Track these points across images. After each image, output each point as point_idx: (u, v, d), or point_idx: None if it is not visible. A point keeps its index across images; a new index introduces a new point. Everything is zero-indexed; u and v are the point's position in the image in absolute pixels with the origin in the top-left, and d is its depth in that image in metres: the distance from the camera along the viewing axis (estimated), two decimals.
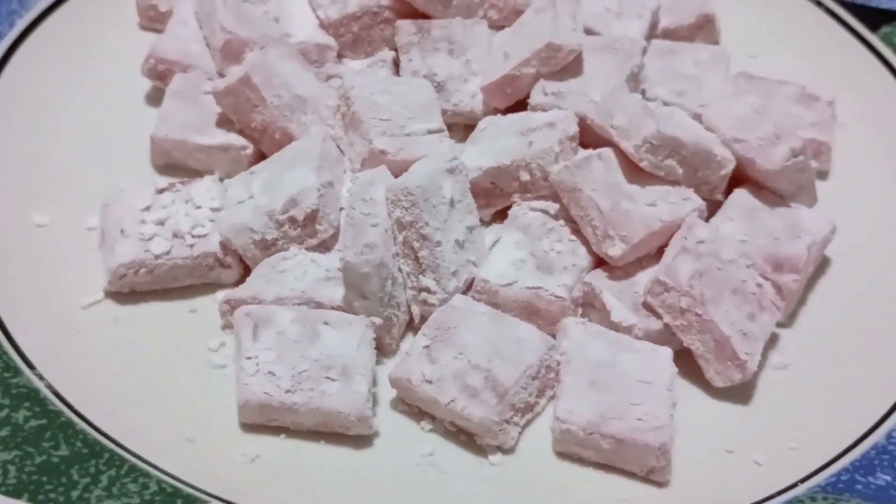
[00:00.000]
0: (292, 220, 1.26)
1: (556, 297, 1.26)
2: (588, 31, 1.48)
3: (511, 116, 1.40)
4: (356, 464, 1.17)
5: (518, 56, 1.41)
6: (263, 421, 1.18)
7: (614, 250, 1.27)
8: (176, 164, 1.39)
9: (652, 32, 1.55)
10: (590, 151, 1.33)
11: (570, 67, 1.41)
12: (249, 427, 1.18)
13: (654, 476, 1.18)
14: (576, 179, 1.29)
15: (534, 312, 1.27)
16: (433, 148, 1.33)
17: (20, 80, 1.47)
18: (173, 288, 1.28)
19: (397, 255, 1.24)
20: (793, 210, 1.35)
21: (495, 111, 1.44)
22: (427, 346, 1.20)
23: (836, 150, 1.49)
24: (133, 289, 1.27)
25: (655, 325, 1.25)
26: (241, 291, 1.24)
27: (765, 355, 1.27)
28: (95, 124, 1.44)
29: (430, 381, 1.18)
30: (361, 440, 1.18)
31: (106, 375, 1.22)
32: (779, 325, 1.30)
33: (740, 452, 1.20)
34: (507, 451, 1.19)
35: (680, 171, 1.31)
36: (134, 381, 1.22)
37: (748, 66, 1.53)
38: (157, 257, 1.25)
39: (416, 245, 1.23)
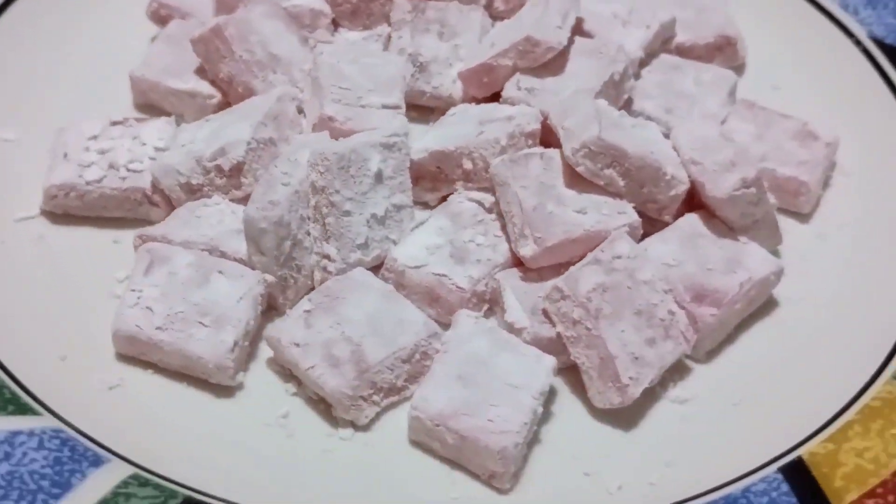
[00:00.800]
0: (218, 169, 1.28)
1: (458, 287, 1.23)
2: (586, 34, 1.44)
3: (482, 106, 1.37)
4: (210, 412, 1.18)
5: (498, 46, 1.39)
6: (134, 353, 1.20)
7: (526, 250, 1.23)
8: (153, 105, 1.44)
9: (664, 47, 1.49)
10: (534, 149, 1.30)
11: (550, 65, 1.37)
12: (123, 357, 1.21)
13: (494, 481, 1.13)
14: (508, 174, 1.26)
15: (434, 299, 1.24)
16: (383, 122, 1.32)
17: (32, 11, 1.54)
18: (104, 217, 1.32)
19: (307, 218, 1.24)
20: (740, 245, 1.28)
21: (474, 99, 1.41)
22: (308, 311, 1.19)
23: (833, 196, 1.40)
24: (66, 211, 1.32)
25: (548, 332, 1.20)
26: (154, 229, 1.27)
27: (664, 385, 1.21)
28: (94, 59, 1.50)
29: (297, 345, 1.17)
30: (223, 390, 1.19)
31: (10, 283, 1.27)
32: (692, 358, 1.23)
33: (597, 477, 1.15)
34: (361, 428, 1.17)
35: (622, 183, 1.26)
36: (33, 294, 1.26)
37: (768, 97, 1.46)
38: (87, 183, 1.29)
39: (325, 211, 1.23)
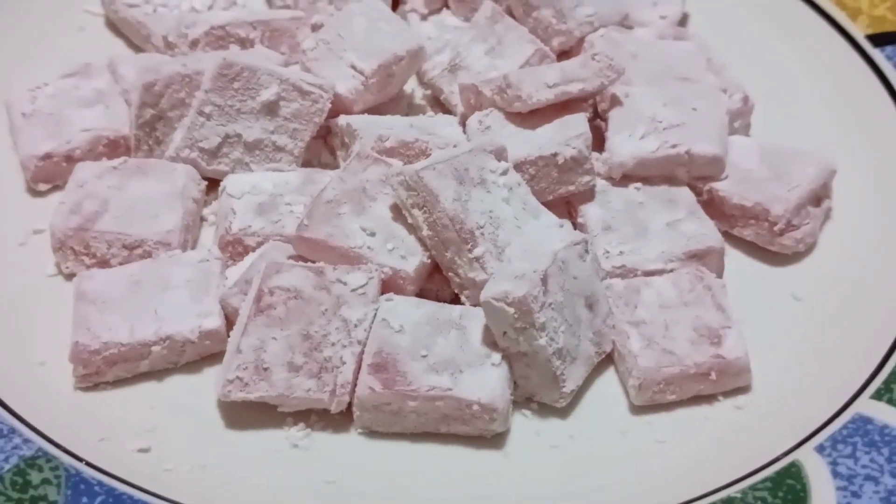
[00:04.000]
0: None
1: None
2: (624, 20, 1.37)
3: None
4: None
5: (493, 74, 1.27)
6: None
7: None
8: None
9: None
10: None
11: (525, 117, 1.23)
12: None
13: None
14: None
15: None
16: (337, 78, 1.27)
17: None
18: None
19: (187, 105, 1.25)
20: None
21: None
22: None
23: None
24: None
25: None
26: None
27: None
28: None
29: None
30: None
31: None
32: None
33: None
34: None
35: (425, 231, 1.14)
36: None
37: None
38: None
39: (192, 104, 1.23)
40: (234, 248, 1.17)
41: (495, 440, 1.08)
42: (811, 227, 1.24)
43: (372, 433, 1.08)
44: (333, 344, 1.07)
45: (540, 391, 1.10)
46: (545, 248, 1.09)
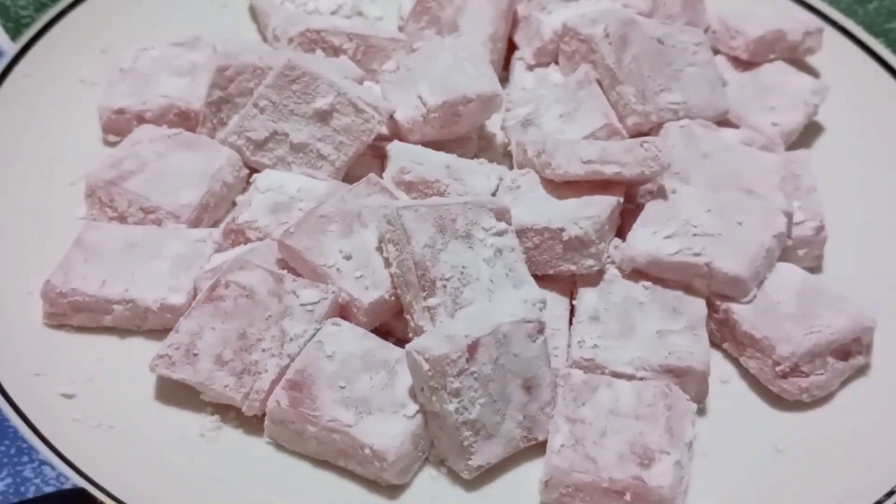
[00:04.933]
0: None
1: None
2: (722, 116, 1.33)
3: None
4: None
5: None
6: None
7: None
8: None
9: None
10: None
11: (560, 188, 1.20)
12: None
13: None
14: None
15: None
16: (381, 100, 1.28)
17: None
18: None
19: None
20: None
21: None
22: None
23: None
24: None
25: None
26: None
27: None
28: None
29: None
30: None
31: None
32: None
33: None
34: None
35: None
36: None
37: None
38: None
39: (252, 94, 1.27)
40: (236, 238, 1.21)
41: (391, 490, 1.07)
42: (825, 379, 1.14)
43: (279, 446, 1.09)
44: (264, 350, 1.09)
45: (449, 456, 1.07)
46: (493, 316, 1.06)
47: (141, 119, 1.32)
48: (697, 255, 1.15)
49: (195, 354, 1.08)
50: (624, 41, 1.28)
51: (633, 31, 1.28)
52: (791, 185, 1.27)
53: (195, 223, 1.22)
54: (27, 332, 1.15)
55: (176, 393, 1.11)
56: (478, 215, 1.12)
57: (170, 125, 1.31)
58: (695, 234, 1.17)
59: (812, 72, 1.47)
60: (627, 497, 1.03)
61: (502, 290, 1.11)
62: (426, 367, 1.02)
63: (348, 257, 1.13)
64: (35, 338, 1.15)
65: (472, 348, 1.04)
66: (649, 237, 1.17)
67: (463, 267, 1.10)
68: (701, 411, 1.14)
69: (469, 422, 1.04)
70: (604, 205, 1.17)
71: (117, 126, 1.33)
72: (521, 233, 1.15)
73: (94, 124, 1.35)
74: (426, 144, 1.28)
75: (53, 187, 1.29)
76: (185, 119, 1.33)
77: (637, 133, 1.30)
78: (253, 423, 1.10)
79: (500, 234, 1.13)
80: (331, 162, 1.26)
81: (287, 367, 1.08)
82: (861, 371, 1.18)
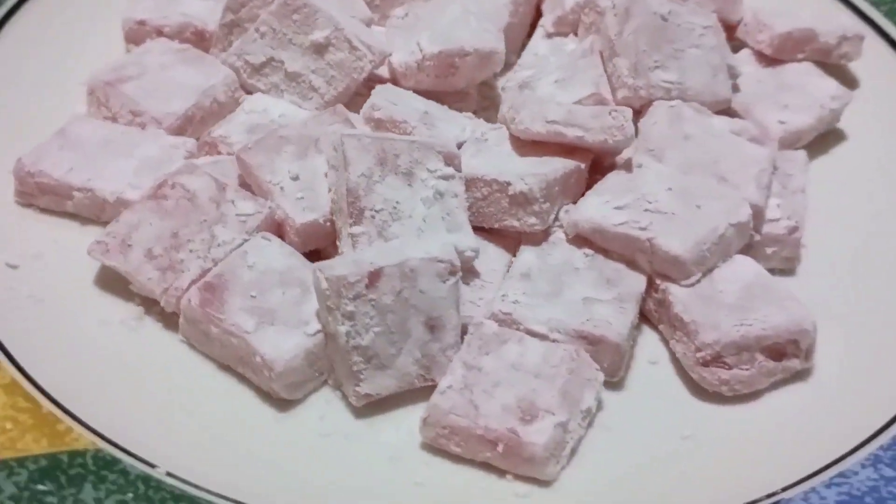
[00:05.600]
0: None
1: None
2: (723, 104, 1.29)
3: None
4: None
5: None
6: None
7: None
8: None
9: None
10: None
11: (528, 146, 1.19)
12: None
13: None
14: None
15: None
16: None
17: None
18: None
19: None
20: None
21: None
22: None
23: None
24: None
25: None
26: None
27: None
28: None
29: None
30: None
31: None
32: None
33: None
34: None
35: None
36: None
37: None
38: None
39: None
40: (210, 150, 1.25)
41: (282, 404, 1.08)
42: (749, 375, 1.10)
43: (191, 346, 1.12)
44: (191, 251, 1.12)
45: (342, 380, 1.08)
46: (405, 251, 1.07)
47: (159, 33, 1.37)
48: (642, 229, 1.13)
49: (129, 245, 1.13)
50: (627, 14, 1.26)
51: (638, 5, 1.26)
52: (779, 182, 1.23)
53: (177, 132, 1.27)
54: None
55: (112, 282, 1.16)
56: (424, 156, 1.13)
57: (185, 42, 1.36)
58: (646, 210, 1.14)
59: (850, 79, 1.41)
60: (499, 448, 1.02)
61: (434, 232, 1.11)
62: (324, 285, 1.04)
63: (295, 178, 1.15)
64: (1, 211, 1.22)
65: (374, 276, 1.04)
66: (599, 205, 1.15)
67: (397, 202, 1.11)
68: (617, 385, 1.12)
69: (360, 347, 1.05)
70: (557, 166, 1.16)
71: (138, 36, 1.38)
72: (471, 182, 1.15)
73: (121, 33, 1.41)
74: (423, 94, 1.29)
75: (69, 85, 1.36)
76: (200, 39, 1.37)
77: (634, 110, 1.27)
78: (174, 321, 1.13)
79: (445, 178, 1.13)
80: (321, 95, 1.28)
81: (209, 270, 1.11)
82: (800, 376, 1.13)
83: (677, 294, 1.13)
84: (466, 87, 1.33)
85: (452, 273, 1.07)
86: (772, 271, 1.19)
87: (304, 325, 1.08)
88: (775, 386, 1.13)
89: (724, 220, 1.14)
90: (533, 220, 1.15)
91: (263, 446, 1.06)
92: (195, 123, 1.29)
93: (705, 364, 1.09)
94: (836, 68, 1.40)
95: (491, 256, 1.17)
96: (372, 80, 1.30)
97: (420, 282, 1.06)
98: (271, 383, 1.07)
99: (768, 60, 1.37)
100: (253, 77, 1.31)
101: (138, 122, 1.27)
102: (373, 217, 1.10)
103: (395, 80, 1.30)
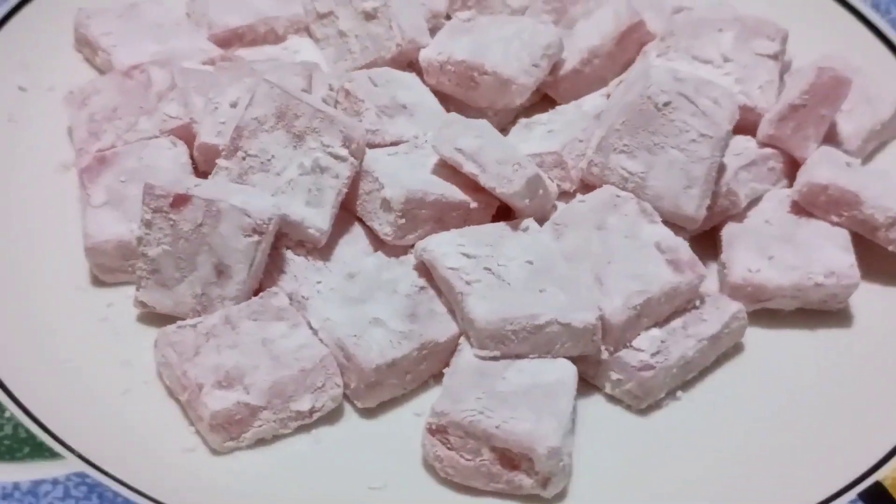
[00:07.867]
0: None
1: None
2: None
3: None
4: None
5: None
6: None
7: None
8: None
9: None
10: None
11: None
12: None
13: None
14: None
15: None
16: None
17: None
18: None
19: None
20: None
21: None
22: None
23: None
24: None
25: None
26: None
27: None
28: None
29: None
30: None
31: None
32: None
33: None
34: None
35: None
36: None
37: None
38: None
39: None
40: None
41: (94, 280, 1.17)
42: (465, 467, 1.02)
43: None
44: (115, 126, 1.24)
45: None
46: (230, 196, 1.10)
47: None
48: (467, 283, 1.08)
49: (85, 104, 1.25)
50: (630, 87, 1.18)
51: (642, 83, 1.17)
52: (682, 321, 1.11)
53: (221, 42, 1.37)
54: None
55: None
56: (325, 128, 1.14)
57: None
58: (486, 268, 1.10)
59: None
60: (184, 397, 1.05)
61: (290, 197, 1.13)
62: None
63: (234, 105, 1.22)
64: None
65: (181, 199, 1.09)
66: (450, 243, 1.11)
67: (272, 156, 1.14)
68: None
69: (147, 257, 1.11)
70: (437, 191, 1.14)
71: None
72: (365, 174, 1.15)
73: None
74: (447, 98, 1.30)
75: None
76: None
77: (581, 180, 1.20)
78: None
79: (335, 157, 1.14)
80: (354, 59, 1.33)
81: (112, 147, 1.22)
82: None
83: (462, 356, 1.06)
84: (487, 109, 1.30)
85: (256, 232, 1.09)
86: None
87: (131, 223, 1.15)
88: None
89: (552, 313, 1.05)
90: (388, 229, 1.13)
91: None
92: (244, 41, 1.38)
93: (430, 431, 1.03)
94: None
95: (358, 250, 1.16)
96: (412, 65, 1.32)
97: (221, 226, 1.09)
98: (87, 259, 1.16)
99: (799, 207, 1.21)
100: (316, 23, 1.38)
101: (195, 18, 1.39)
102: (243, 158, 1.15)
103: (421, 74, 1.32)
